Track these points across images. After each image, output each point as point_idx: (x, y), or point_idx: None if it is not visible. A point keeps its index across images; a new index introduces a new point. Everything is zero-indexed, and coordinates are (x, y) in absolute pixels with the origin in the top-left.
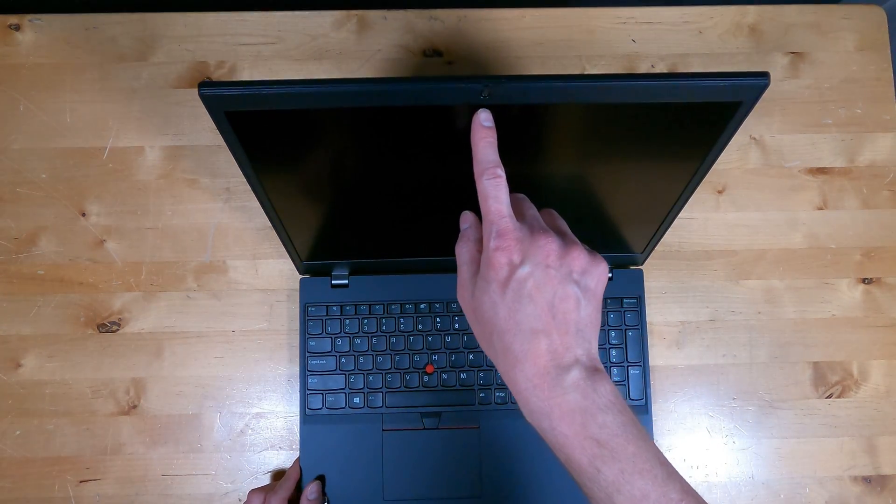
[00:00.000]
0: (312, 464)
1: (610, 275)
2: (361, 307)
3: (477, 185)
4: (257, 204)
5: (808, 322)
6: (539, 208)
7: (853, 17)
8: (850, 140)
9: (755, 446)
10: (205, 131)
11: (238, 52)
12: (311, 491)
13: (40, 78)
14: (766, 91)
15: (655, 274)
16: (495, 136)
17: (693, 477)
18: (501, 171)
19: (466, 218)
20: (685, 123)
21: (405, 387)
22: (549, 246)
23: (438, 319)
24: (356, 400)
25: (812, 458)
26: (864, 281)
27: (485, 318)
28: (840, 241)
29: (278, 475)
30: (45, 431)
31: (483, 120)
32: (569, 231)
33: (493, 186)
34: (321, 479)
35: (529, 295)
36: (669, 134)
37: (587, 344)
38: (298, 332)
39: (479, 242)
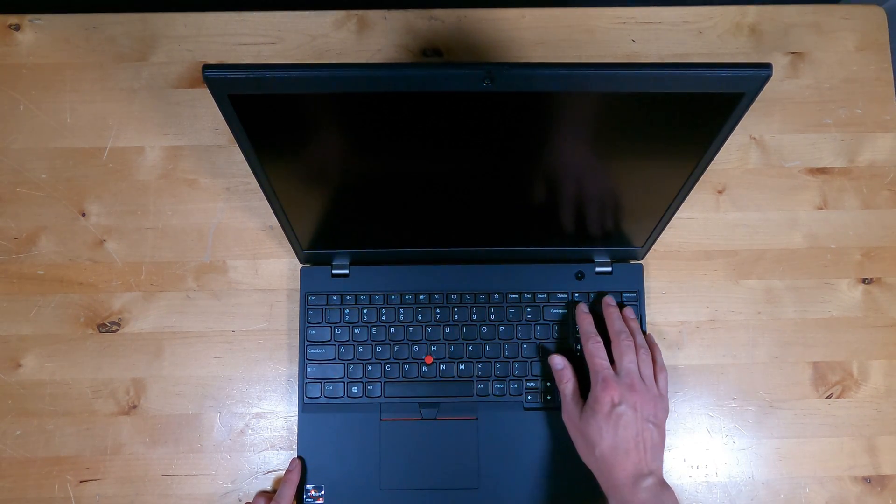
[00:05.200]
0: (310, 452)
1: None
2: (361, 297)
3: (584, 347)
4: (257, 204)
5: (808, 322)
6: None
7: (853, 17)
8: (850, 140)
9: (755, 446)
10: (205, 131)
11: (238, 52)
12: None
13: (40, 78)
14: (766, 91)
15: (655, 274)
16: (591, 317)
17: (693, 477)
18: (599, 338)
19: (558, 360)
20: (687, 115)
21: (404, 377)
22: (636, 395)
23: (438, 310)
24: (355, 389)
25: (812, 458)
26: (864, 281)
27: (590, 438)
28: (840, 241)
29: (278, 478)
30: (45, 431)
31: (583, 308)
32: (649, 374)
33: (596, 348)
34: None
35: (624, 426)
36: (671, 126)
37: (657, 462)
38: (298, 324)
39: (576, 379)
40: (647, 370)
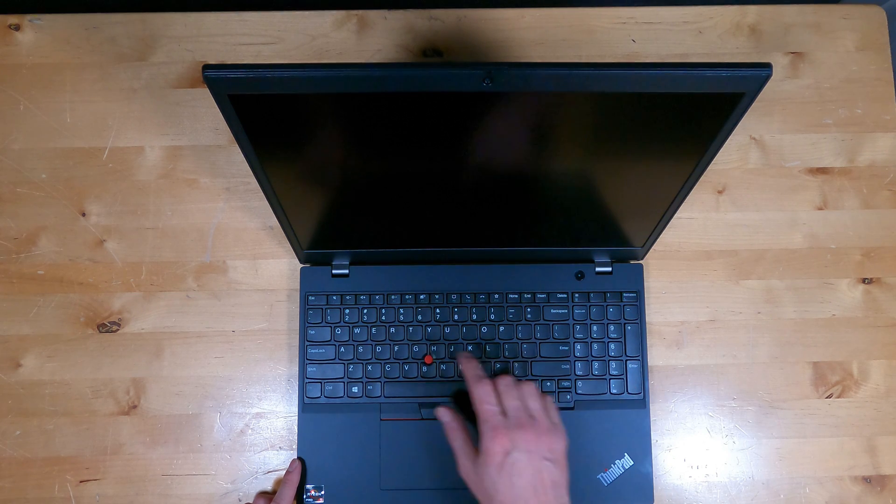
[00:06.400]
0: (310, 452)
1: (565, 402)
2: (361, 297)
3: (470, 393)
4: (257, 204)
5: (808, 322)
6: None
7: (853, 17)
8: (850, 140)
9: (755, 446)
10: (205, 131)
11: (238, 52)
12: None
13: (40, 78)
14: (766, 91)
15: (655, 274)
16: (476, 360)
17: (693, 477)
18: (487, 382)
19: (444, 413)
20: (687, 115)
21: (404, 377)
22: (528, 434)
23: (438, 310)
24: (354, 389)
25: (812, 458)
26: (864, 281)
27: (486, 490)
28: (840, 241)
29: (278, 478)
30: (45, 431)
31: (466, 354)
32: (537, 406)
33: (483, 392)
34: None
35: (519, 473)
36: (671, 126)
37: (561, 498)
38: (298, 324)
39: (464, 431)
40: (534, 403)
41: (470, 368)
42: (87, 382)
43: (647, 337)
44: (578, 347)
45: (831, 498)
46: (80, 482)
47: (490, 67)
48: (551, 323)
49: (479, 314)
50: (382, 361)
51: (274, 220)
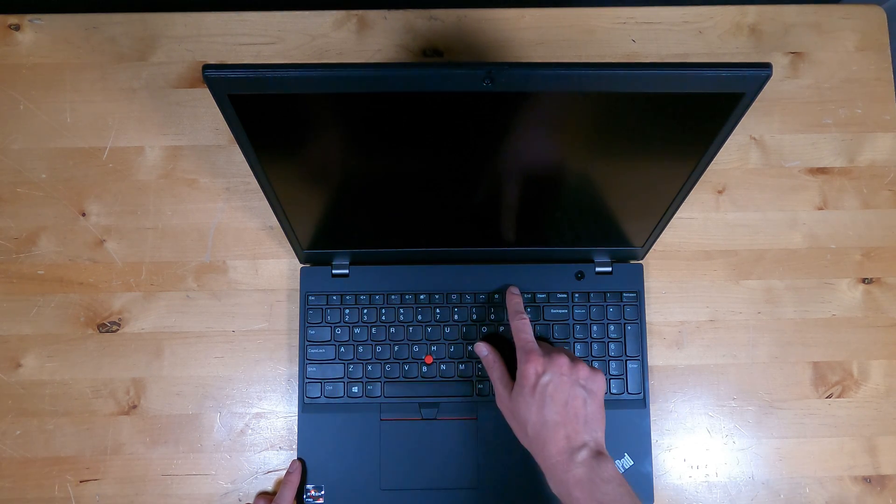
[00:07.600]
0: (310, 452)
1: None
2: (362, 297)
3: (511, 324)
4: (257, 204)
5: (808, 322)
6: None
7: (853, 17)
8: (850, 140)
9: (755, 446)
10: (205, 131)
11: (238, 52)
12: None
13: (40, 78)
14: (766, 91)
15: (655, 274)
16: (521, 296)
17: (693, 477)
18: (525, 316)
19: (483, 347)
20: (687, 115)
21: (404, 377)
22: (561, 360)
23: (438, 310)
24: (354, 389)
25: (812, 458)
26: (864, 281)
27: (520, 416)
28: (840, 241)
29: (279, 478)
30: (45, 431)
31: (513, 290)
32: (575, 356)
33: (522, 324)
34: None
35: (551, 395)
36: (671, 126)
37: (593, 433)
38: (298, 324)
39: (502, 363)
40: (570, 352)
41: (512, 304)
42: (87, 382)
43: (647, 337)
44: (578, 347)
45: (831, 498)
46: (80, 482)
47: (490, 67)
48: (551, 323)
49: (479, 314)
50: (382, 361)
51: (274, 220)
